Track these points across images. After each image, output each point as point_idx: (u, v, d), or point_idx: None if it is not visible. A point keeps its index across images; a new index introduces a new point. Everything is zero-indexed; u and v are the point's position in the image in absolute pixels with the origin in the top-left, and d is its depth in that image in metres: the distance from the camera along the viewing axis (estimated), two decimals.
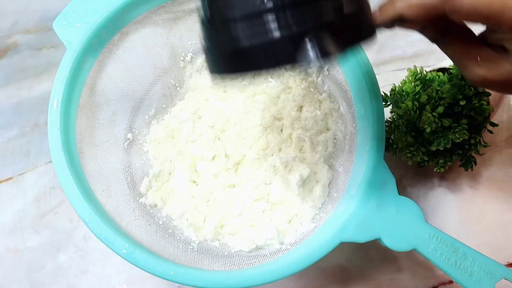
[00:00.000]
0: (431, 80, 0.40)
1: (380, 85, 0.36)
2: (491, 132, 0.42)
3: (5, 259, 0.44)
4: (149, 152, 0.42)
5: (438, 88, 0.39)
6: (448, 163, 0.41)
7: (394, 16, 0.25)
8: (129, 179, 0.40)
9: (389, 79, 0.50)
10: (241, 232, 0.39)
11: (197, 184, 0.41)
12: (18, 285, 0.43)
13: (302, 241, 0.37)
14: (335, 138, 0.42)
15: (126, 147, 0.41)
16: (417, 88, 0.39)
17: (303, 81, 0.44)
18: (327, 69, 0.42)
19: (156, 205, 0.40)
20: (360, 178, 0.35)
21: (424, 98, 0.38)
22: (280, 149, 0.42)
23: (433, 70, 0.43)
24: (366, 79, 0.36)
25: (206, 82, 0.44)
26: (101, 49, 0.38)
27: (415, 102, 0.39)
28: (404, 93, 0.40)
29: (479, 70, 0.25)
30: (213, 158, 0.41)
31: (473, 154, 0.42)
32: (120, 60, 0.40)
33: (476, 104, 0.38)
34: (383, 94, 0.41)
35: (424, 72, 0.40)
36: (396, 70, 0.51)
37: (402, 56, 0.51)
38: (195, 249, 0.38)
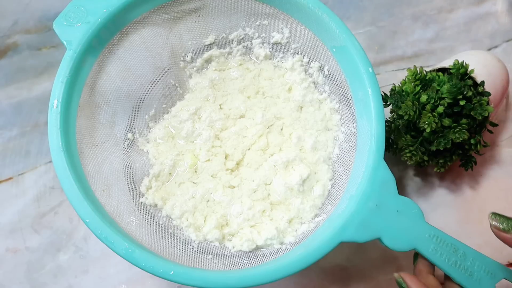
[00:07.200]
0: (431, 80, 0.40)
1: (380, 85, 0.36)
2: (491, 132, 0.42)
3: (5, 259, 0.44)
4: (149, 152, 0.42)
5: (438, 88, 0.39)
6: (448, 163, 0.41)
7: None
8: (129, 179, 0.40)
9: (389, 79, 0.50)
10: (241, 232, 0.39)
11: (197, 184, 0.41)
12: (18, 285, 0.43)
13: (302, 241, 0.37)
14: (335, 138, 0.42)
15: (126, 147, 0.41)
16: (417, 88, 0.39)
17: (303, 81, 0.44)
18: (327, 69, 0.42)
19: (156, 205, 0.40)
20: (360, 178, 0.35)
21: (424, 98, 0.38)
22: (280, 149, 0.42)
23: (433, 70, 0.43)
24: (366, 79, 0.36)
25: (206, 82, 0.44)
26: (101, 49, 0.38)
27: (415, 102, 0.39)
28: (404, 93, 0.40)
29: None
30: (213, 158, 0.41)
31: (473, 154, 0.42)
32: (120, 60, 0.40)
33: (476, 104, 0.38)
34: (383, 94, 0.41)
35: (424, 72, 0.40)
36: (396, 70, 0.51)
37: (402, 56, 0.51)
38: (195, 249, 0.38)
